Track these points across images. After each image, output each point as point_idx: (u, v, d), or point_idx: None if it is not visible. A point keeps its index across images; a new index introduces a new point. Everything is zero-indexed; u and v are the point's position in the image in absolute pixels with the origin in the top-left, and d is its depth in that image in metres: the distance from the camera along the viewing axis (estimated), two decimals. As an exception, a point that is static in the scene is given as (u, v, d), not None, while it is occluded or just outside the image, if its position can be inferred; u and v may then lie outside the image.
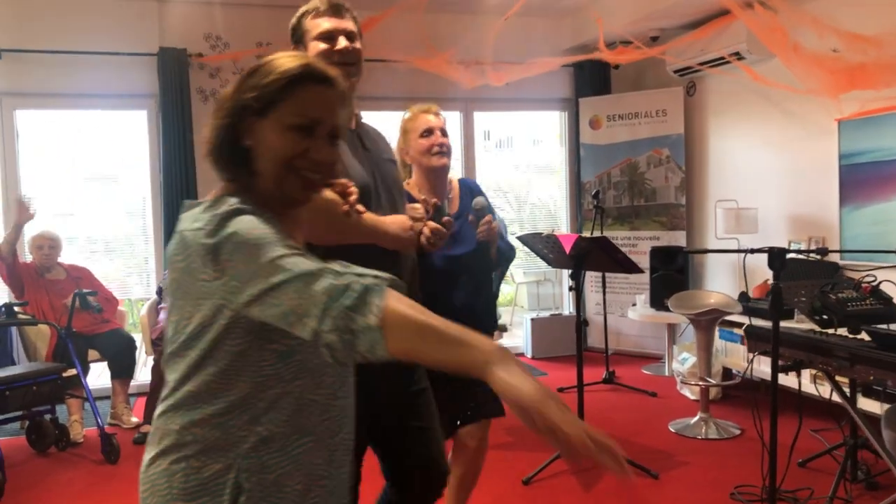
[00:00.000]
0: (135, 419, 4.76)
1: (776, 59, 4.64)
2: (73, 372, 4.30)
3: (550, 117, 7.08)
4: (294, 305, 1.05)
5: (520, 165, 9.08)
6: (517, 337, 7.03)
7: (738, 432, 4.22)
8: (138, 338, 5.09)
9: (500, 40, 5.57)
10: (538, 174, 8.70)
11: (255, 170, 1.23)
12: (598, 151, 6.46)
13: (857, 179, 4.56)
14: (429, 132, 2.64)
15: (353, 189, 1.66)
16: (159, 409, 1.25)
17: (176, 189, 5.50)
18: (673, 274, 5.53)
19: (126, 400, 4.87)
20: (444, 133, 2.67)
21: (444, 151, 2.64)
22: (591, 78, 6.46)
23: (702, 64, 5.42)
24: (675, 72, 5.87)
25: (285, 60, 1.23)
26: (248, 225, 1.12)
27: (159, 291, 5.11)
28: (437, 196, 2.55)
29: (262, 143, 1.22)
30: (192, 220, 1.17)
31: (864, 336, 2.73)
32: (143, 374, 5.13)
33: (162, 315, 5.00)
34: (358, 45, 1.95)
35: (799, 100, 4.80)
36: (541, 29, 6.34)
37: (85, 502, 3.58)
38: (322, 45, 1.90)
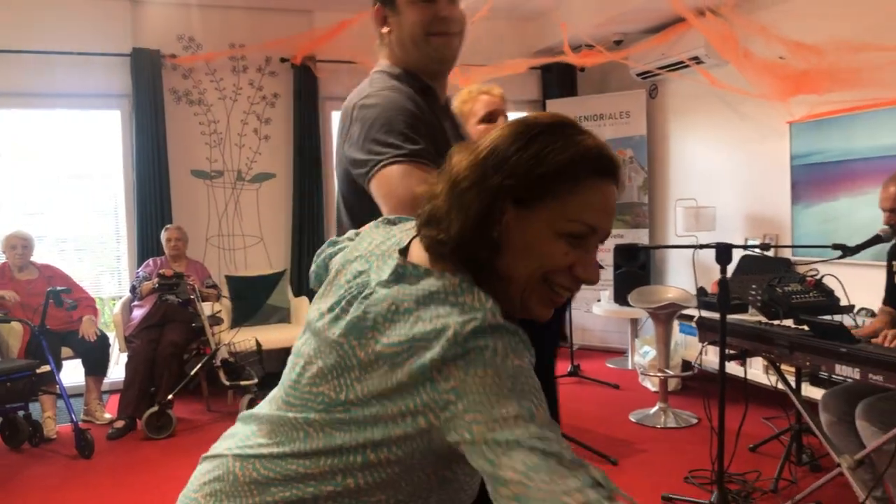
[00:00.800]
0: (108, 415, 4.83)
1: (731, 64, 4.84)
2: (46, 368, 4.35)
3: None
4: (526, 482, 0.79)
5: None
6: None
7: (695, 421, 4.41)
8: (111, 335, 5.15)
9: (468, 43, 5.69)
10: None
11: (500, 270, 0.95)
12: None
13: (807, 179, 4.78)
14: (491, 118, 2.22)
15: None
16: (247, 451, 1.03)
17: (148, 189, 5.56)
18: (635, 270, 5.72)
19: (99, 397, 4.93)
20: (507, 118, 2.24)
21: None
22: (559, 80, 6.64)
23: (663, 68, 5.61)
24: (638, 75, 6.06)
25: (572, 140, 0.95)
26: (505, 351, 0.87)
27: (132, 289, 5.17)
28: None
29: (521, 241, 0.94)
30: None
31: (805, 326, 2.91)
32: (116, 371, 5.18)
33: (135, 312, 5.07)
34: (461, 6, 1.64)
35: (753, 103, 5.01)
36: (508, 32, 6.49)
37: (60, 496, 3.65)
38: (421, 8, 1.59)
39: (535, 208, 0.93)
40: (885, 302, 3.13)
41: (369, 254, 1.04)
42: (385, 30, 1.64)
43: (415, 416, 0.88)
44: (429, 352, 0.86)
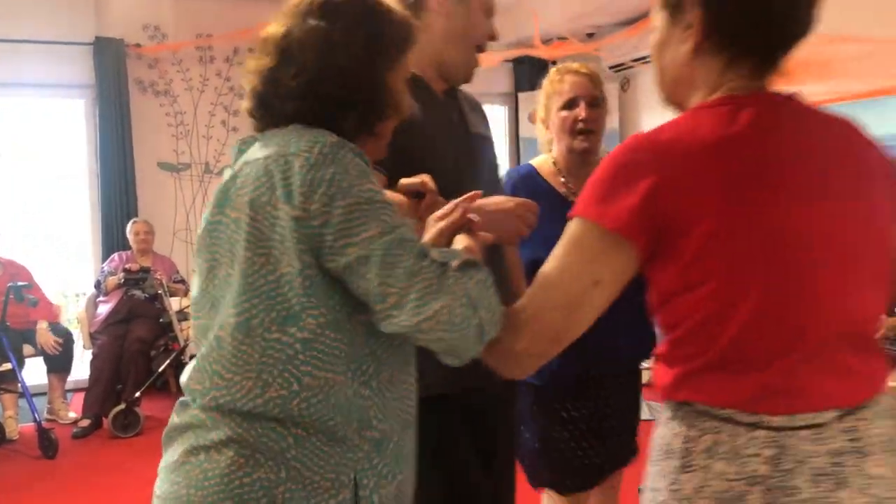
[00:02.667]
0: (73, 414, 4.70)
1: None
2: (7, 366, 4.22)
3: (495, 112, 7.20)
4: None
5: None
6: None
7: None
8: (75, 332, 5.01)
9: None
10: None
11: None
12: (537, 145, 6.60)
13: (779, 172, 4.81)
14: (572, 104, 2.00)
15: (430, 187, 1.28)
16: None
17: (113, 181, 5.42)
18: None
19: (63, 395, 4.80)
20: (594, 102, 1.99)
21: (591, 129, 1.99)
22: (530, 73, 6.60)
23: (635, 60, 5.62)
24: (610, 67, 6.06)
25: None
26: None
27: (97, 284, 5.04)
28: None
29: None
30: None
31: None
32: (80, 368, 5.04)
33: (101, 308, 4.94)
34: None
35: (725, 96, 5.03)
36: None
37: (23, 496, 3.54)
38: (480, 16, 1.66)
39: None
40: None
41: None
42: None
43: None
44: None
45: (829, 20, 4.41)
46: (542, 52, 5.55)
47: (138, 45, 5.57)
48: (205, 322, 1.09)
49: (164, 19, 5.66)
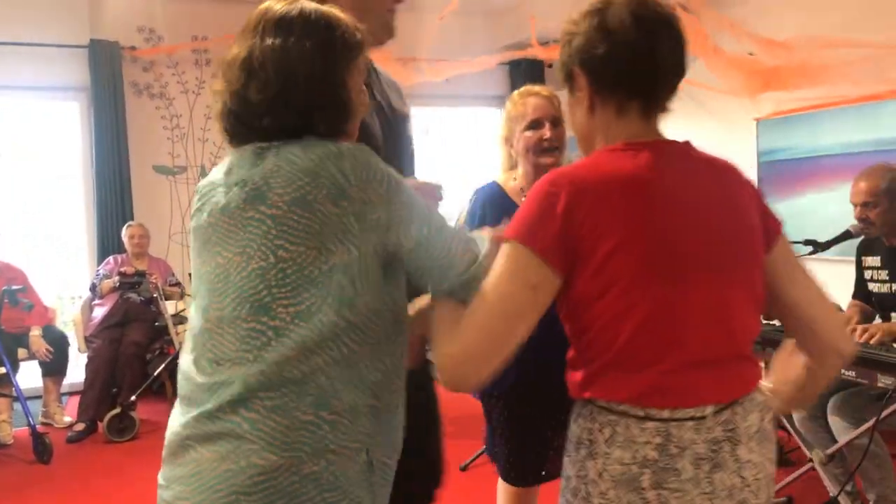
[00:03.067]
0: (68, 418, 4.68)
1: (699, 60, 4.86)
2: (1, 370, 4.20)
3: (489, 114, 7.20)
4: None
5: (459, 162, 9.17)
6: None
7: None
8: (70, 335, 4.99)
9: (436, 37, 5.65)
10: (479, 170, 8.80)
11: None
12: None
13: (774, 176, 4.82)
14: (536, 124, 2.13)
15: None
16: None
17: (109, 184, 5.40)
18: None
19: (58, 399, 4.78)
20: (556, 122, 2.14)
21: (556, 147, 2.13)
22: (526, 75, 6.59)
23: (631, 64, 5.61)
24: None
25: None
26: None
27: (92, 288, 5.02)
28: None
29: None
30: None
31: (776, 322, 2.91)
32: (75, 372, 5.02)
33: (96, 311, 4.92)
34: None
35: (720, 99, 5.03)
36: (477, 27, 6.45)
37: (17, 501, 3.52)
38: None
39: None
40: (855, 296, 3.16)
41: None
42: None
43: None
44: None
45: (825, 25, 4.46)
46: (539, 54, 5.54)
47: (133, 48, 5.56)
48: (230, 313, 1.15)
49: (160, 22, 5.64)
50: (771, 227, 1.26)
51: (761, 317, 1.29)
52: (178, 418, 1.20)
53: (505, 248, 1.17)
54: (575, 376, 1.21)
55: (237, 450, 1.10)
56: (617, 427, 1.15)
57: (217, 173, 1.25)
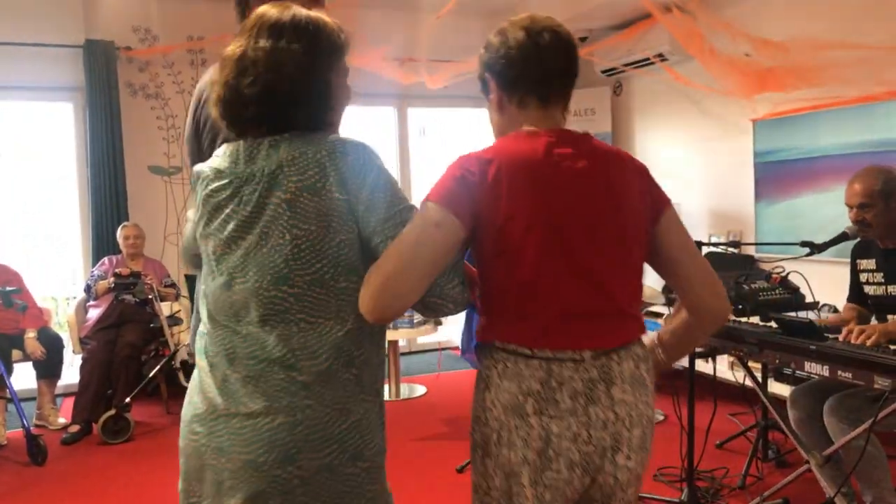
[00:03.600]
0: (62, 420, 4.66)
1: (696, 60, 4.86)
2: (-4, 372, 4.17)
3: (486, 115, 7.19)
4: None
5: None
6: (453, 332, 7.12)
7: (661, 418, 4.41)
8: (65, 336, 4.97)
9: (433, 38, 5.64)
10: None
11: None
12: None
13: (771, 176, 4.82)
14: None
15: None
16: None
17: (104, 185, 5.38)
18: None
19: (53, 400, 4.76)
20: None
21: None
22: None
23: (628, 65, 5.62)
24: (603, 72, 6.05)
25: None
26: None
27: (87, 289, 5.00)
28: None
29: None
30: None
31: (773, 323, 2.91)
32: (70, 374, 5.00)
33: (91, 312, 4.90)
34: None
35: (718, 100, 5.03)
36: (474, 27, 6.42)
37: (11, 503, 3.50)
38: None
39: None
40: (850, 299, 3.15)
41: None
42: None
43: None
44: None
45: (821, 26, 4.45)
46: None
47: (129, 48, 5.54)
48: (253, 285, 1.35)
49: (155, 22, 5.62)
50: (658, 202, 1.50)
51: (642, 279, 1.51)
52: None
53: (420, 207, 1.39)
54: (481, 322, 1.47)
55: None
56: (507, 363, 1.39)
57: (222, 161, 1.42)
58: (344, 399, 1.34)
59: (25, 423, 4.03)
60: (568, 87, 1.51)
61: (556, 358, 1.37)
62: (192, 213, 1.52)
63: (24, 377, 4.69)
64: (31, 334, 4.53)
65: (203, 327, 1.46)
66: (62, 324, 5.34)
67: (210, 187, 1.42)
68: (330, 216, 1.33)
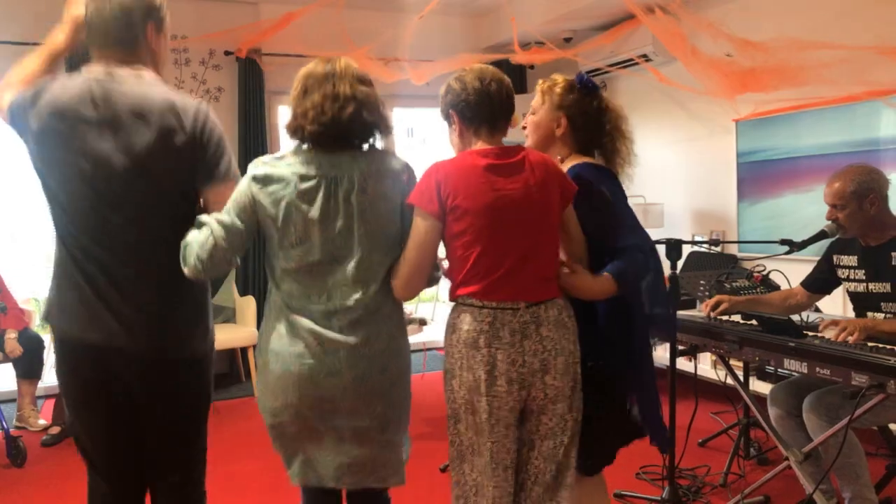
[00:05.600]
0: (42, 421, 4.61)
1: (679, 61, 4.88)
2: (-25, 374, 4.13)
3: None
4: None
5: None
6: (438, 332, 7.11)
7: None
8: (46, 338, 4.92)
9: (417, 38, 5.64)
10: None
11: None
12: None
13: (753, 176, 4.85)
14: None
15: None
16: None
17: (86, 184, 5.33)
18: (586, 267, 5.73)
19: (33, 402, 4.71)
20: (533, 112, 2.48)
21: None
22: (508, 77, 6.58)
23: (612, 65, 5.63)
24: (588, 72, 6.06)
25: None
26: None
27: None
28: None
29: None
30: None
31: (754, 321, 2.93)
32: (50, 374, 4.95)
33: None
34: None
35: (701, 101, 5.06)
36: (458, 27, 6.44)
37: (-11, 507, 3.47)
38: None
39: None
40: (806, 285, 3.16)
41: None
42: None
43: None
44: None
45: (802, 27, 4.47)
46: (519, 58, 5.52)
47: (111, 47, 5.48)
48: (334, 259, 1.94)
49: (138, 21, 5.57)
50: (567, 193, 2.05)
51: (560, 255, 2.08)
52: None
53: (414, 212, 1.96)
54: (451, 286, 2.03)
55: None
56: (466, 312, 1.98)
57: (294, 167, 1.92)
58: (397, 331, 2.03)
59: (5, 424, 3.99)
60: (508, 118, 2.08)
61: (499, 307, 1.95)
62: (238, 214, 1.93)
63: (3, 378, 4.64)
64: (11, 335, 4.48)
65: (289, 299, 1.94)
66: (43, 325, 5.28)
67: (286, 185, 1.91)
68: (393, 213, 1.97)
